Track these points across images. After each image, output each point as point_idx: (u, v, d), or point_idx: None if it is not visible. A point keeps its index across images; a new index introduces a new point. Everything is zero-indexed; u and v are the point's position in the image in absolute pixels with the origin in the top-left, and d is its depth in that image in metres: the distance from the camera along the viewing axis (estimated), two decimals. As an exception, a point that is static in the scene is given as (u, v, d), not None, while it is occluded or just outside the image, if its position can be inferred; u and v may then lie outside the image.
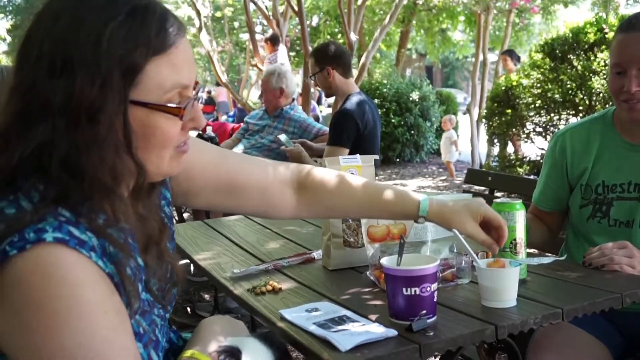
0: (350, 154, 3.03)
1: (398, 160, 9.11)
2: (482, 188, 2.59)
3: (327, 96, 3.39)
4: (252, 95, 16.36)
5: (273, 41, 7.66)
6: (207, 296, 3.56)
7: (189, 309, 3.34)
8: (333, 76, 3.16)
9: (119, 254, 0.84)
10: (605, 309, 1.22)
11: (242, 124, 4.32)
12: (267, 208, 1.24)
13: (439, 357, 1.23)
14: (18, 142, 0.80)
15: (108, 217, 0.84)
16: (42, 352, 0.76)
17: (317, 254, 1.60)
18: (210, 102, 19.17)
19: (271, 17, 8.41)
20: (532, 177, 2.05)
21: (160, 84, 0.84)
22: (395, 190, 1.22)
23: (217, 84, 16.00)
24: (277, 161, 1.26)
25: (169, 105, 0.85)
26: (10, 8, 21.92)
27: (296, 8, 6.63)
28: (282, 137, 3.49)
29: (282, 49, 7.64)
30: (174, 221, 1.13)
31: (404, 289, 1.08)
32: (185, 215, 4.24)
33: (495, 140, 5.78)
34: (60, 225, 0.78)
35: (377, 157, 1.67)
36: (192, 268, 3.87)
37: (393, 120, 8.73)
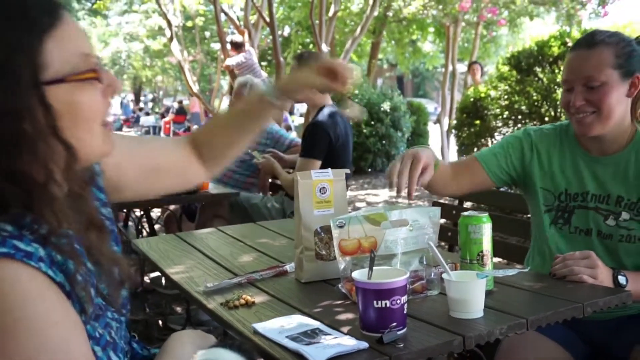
0: (322, 165, 3.06)
1: (370, 170, 9.16)
2: (452, 199, 2.64)
3: (297, 102, 3.41)
4: (224, 105, 16.30)
5: (235, 46, 7.70)
6: (179, 309, 3.52)
7: (160, 322, 3.30)
8: None
9: (67, 262, 0.83)
10: (567, 318, 1.24)
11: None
12: (185, 180, 1.32)
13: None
14: None
15: (51, 226, 0.82)
16: None
17: (289, 266, 1.60)
18: (181, 111, 19.06)
19: (242, 27, 8.42)
20: (501, 189, 2.09)
21: (65, 58, 0.84)
22: (251, 98, 1.27)
23: (191, 95, 15.88)
24: (174, 138, 1.31)
25: (84, 71, 0.86)
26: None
27: (268, 19, 6.67)
28: (255, 153, 3.54)
29: (250, 49, 7.66)
30: (116, 222, 1.13)
31: (375, 302, 1.09)
32: (157, 226, 4.20)
33: (465, 151, 5.87)
34: (4, 240, 0.77)
35: (348, 170, 1.70)
36: (163, 281, 3.85)
37: (364, 131, 8.78)
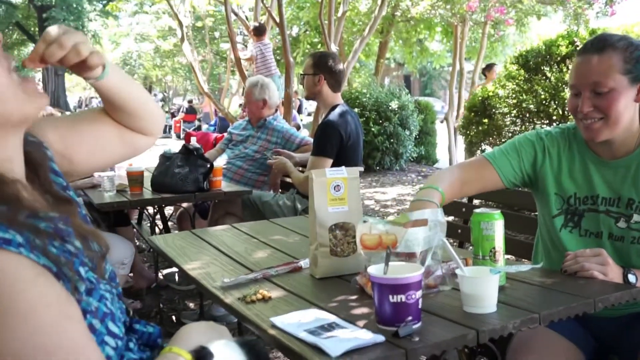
0: (334, 164, 3.07)
1: (378, 168, 9.15)
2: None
3: (307, 98, 3.42)
4: (233, 104, 16.33)
5: (257, 31, 7.73)
6: (191, 304, 3.55)
7: (174, 317, 3.33)
8: (322, 85, 3.20)
9: (48, 244, 0.83)
10: (579, 313, 1.25)
11: (225, 134, 4.33)
12: (133, 148, 1.26)
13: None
14: None
15: (29, 211, 0.83)
16: None
17: (304, 262, 1.61)
18: (191, 111, 19.13)
19: (252, 28, 8.43)
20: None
21: None
22: None
23: (202, 94, 15.94)
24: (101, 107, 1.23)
25: None
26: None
27: (277, 19, 6.67)
28: (268, 153, 3.67)
29: (268, 41, 7.67)
30: (83, 204, 1.10)
31: (391, 297, 1.10)
32: (169, 224, 4.23)
33: (473, 149, 5.86)
34: None
35: (361, 168, 1.70)
36: (176, 277, 3.88)
37: (373, 129, 8.77)
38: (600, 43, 1.52)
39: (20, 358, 0.75)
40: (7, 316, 0.75)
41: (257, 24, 7.86)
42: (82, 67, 1.03)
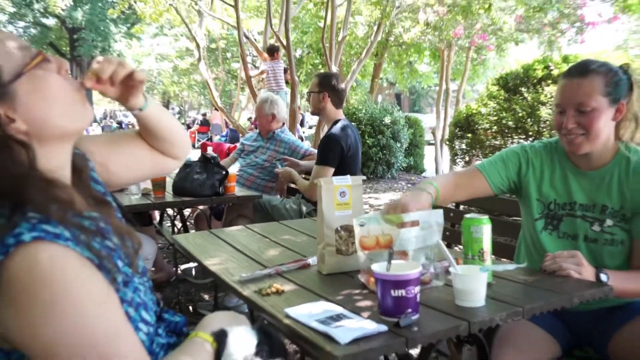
0: (335, 172, 3.08)
1: (372, 176, 9.16)
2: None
3: (313, 114, 3.44)
4: (242, 118, 16.34)
5: (270, 51, 7.78)
6: (206, 296, 3.55)
7: (190, 307, 3.33)
8: (326, 102, 3.22)
9: (91, 240, 0.84)
10: (557, 308, 1.26)
11: (238, 145, 4.34)
12: (159, 169, 1.28)
13: (421, 347, 1.28)
14: None
15: (75, 211, 0.85)
16: (43, 338, 0.76)
17: (312, 260, 1.60)
18: (205, 123, 19.14)
19: (262, 49, 8.46)
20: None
21: (12, 57, 0.85)
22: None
23: (215, 109, 15.96)
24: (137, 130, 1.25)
25: (32, 58, 0.87)
26: (26, 37, 21.77)
27: (284, 42, 6.68)
28: (277, 162, 3.69)
29: (280, 61, 7.72)
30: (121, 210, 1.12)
31: (392, 291, 1.11)
32: (187, 224, 4.24)
33: (458, 160, 5.88)
34: (34, 226, 0.78)
35: (364, 177, 1.71)
36: (193, 271, 3.88)
37: (368, 142, 8.80)
38: (584, 68, 1.54)
39: (67, 339, 0.77)
40: (56, 301, 0.76)
41: (271, 45, 7.90)
42: (128, 93, 1.07)
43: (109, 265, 0.86)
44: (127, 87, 1.06)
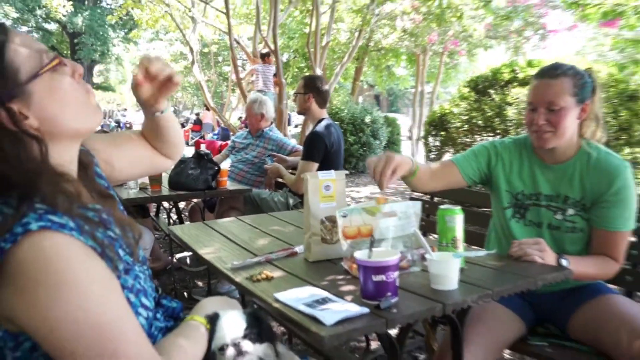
0: (319, 167, 3.08)
1: (353, 171, 9.18)
2: (422, 195, 2.65)
3: (299, 113, 3.42)
4: (233, 117, 16.20)
5: (262, 56, 7.82)
6: (200, 283, 3.53)
7: (185, 293, 3.31)
8: (311, 102, 3.21)
9: (94, 230, 0.84)
10: (523, 290, 1.27)
11: (229, 142, 4.31)
12: (155, 167, 1.31)
13: (399, 328, 1.28)
14: None
15: (80, 203, 0.85)
16: (49, 321, 0.75)
17: (299, 248, 1.60)
18: (198, 122, 18.92)
19: (251, 54, 8.41)
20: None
21: (28, 59, 0.84)
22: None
23: (207, 108, 15.82)
24: (137, 130, 1.27)
25: (49, 61, 0.87)
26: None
27: (272, 47, 6.64)
28: (266, 159, 3.66)
29: (272, 67, 7.75)
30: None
31: (374, 276, 1.11)
32: (182, 216, 4.21)
33: (432, 156, 5.91)
34: (41, 216, 0.78)
35: (347, 172, 1.71)
36: (188, 260, 3.85)
37: (349, 139, 8.81)
38: (555, 70, 1.56)
39: (72, 322, 0.76)
40: (61, 286, 0.76)
41: (264, 51, 7.93)
42: (160, 94, 1.12)
43: (111, 254, 0.85)
44: (161, 87, 1.10)
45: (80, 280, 0.77)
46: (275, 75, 7.76)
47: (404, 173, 1.52)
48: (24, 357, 0.81)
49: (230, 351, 0.99)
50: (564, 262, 1.47)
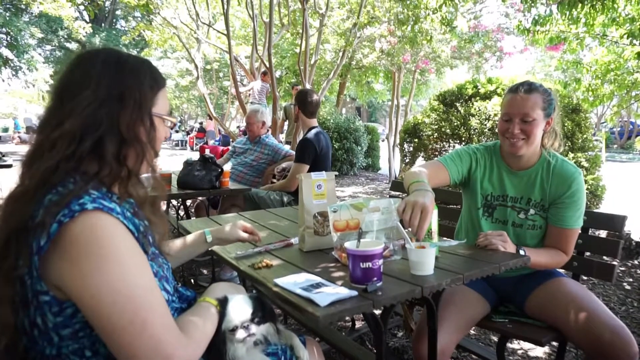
0: (310, 169, 3.08)
1: (338, 174, 9.19)
2: (399, 193, 2.67)
3: (294, 122, 3.43)
4: (232, 126, 16.10)
5: (264, 74, 7.95)
6: (205, 271, 3.50)
7: (192, 280, 3.28)
8: (299, 113, 3.21)
9: (134, 218, 0.88)
10: (489, 274, 1.28)
11: (230, 147, 4.28)
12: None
13: (383, 308, 1.28)
14: (77, 145, 0.85)
15: (123, 194, 0.90)
16: (92, 288, 0.77)
17: (294, 240, 1.60)
18: (202, 130, 18.77)
19: (249, 70, 8.37)
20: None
21: (163, 106, 0.98)
22: (195, 234, 1.37)
23: (210, 118, 15.74)
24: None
25: (169, 117, 0.98)
26: (52, 59, 21.05)
27: (267, 64, 6.61)
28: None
29: (267, 84, 7.86)
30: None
31: (361, 263, 1.11)
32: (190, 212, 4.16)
33: (407, 160, 5.93)
34: (95, 200, 0.81)
35: (336, 172, 1.70)
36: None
37: (335, 145, 8.81)
38: (529, 87, 1.57)
39: (112, 290, 0.78)
40: (106, 258, 0.78)
41: (265, 70, 8.01)
42: (234, 238, 1.41)
43: (144, 240, 0.89)
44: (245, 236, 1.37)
45: (122, 255, 0.80)
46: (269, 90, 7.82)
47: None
48: (64, 322, 0.83)
49: (240, 333, 1.00)
50: (522, 252, 1.48)
